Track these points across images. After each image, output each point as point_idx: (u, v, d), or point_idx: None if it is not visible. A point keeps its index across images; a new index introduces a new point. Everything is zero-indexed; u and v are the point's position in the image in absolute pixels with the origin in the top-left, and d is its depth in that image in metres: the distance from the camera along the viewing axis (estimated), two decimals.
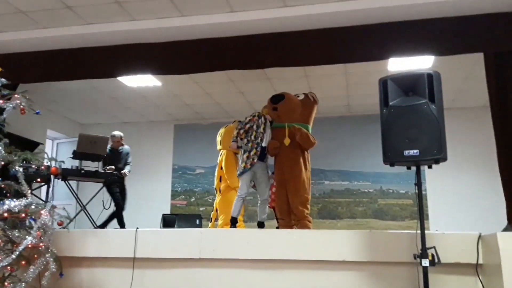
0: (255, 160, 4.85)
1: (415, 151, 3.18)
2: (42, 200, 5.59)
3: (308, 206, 4.86)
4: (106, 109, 8.89)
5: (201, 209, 8.97)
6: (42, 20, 5.06)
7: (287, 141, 4.88)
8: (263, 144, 4.91)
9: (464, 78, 6.89)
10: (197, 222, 5.55)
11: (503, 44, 4.26)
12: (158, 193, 9.34)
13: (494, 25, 4.30)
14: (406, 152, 3.22)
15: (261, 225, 5.09)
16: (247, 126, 4.99)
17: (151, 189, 9.34)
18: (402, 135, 3.26)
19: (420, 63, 5.86)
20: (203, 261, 4.17)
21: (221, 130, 6.19)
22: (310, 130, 5.09)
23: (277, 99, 5.04)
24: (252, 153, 4.87)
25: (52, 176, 5.50)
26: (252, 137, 4.92)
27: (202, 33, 4.95)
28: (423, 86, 3.24)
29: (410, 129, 3.23)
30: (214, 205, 6.23)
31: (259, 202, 5.14)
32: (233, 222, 4.96)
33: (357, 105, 8.25)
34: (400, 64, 5.93)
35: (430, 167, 3.32)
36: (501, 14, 4.30)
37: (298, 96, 5.18)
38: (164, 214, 6.67)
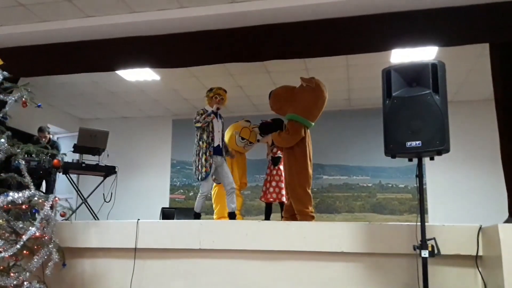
0: (212, 161, 4.81)
1: (417, 142, 3.14)
2: (44, 193, 5.60)
3: (306, 202, 4.82)
4: (106, 104, 8.89)
5: None
6: (41, 13, 5.03)
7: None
8: (214, 144, 4.90)
9: (468, 71, 6.84)
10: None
11: (509, 35, 4.16)
12: (157, 187, 9.37)
13: (500, 15, 4.19)
14: (408, 144, 3.17)
15: (231, 215, 4.92)
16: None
17: (149, 184, 9.38)
18: (404, 126, 3.20)
19: (423, 55, 5.79)
20: (203, 251, 4.19)
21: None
22: (302, 119, 4.98)
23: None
24: (208, 154, 4.84)
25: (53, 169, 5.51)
26: (208, 139, 4.91)
27: (201, 25, 4.90)
28: (427, 77, 3.18)
29: (413, 120, 3.18)
30: None
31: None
32: (197, 217, 4.94)
33: (357, 99, 8.23)
34: (403, 56, 5.89)
35: (432, 158, 3.28)
36: (507, 3, 4.20)
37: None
38: (163, 208, 6.69)
